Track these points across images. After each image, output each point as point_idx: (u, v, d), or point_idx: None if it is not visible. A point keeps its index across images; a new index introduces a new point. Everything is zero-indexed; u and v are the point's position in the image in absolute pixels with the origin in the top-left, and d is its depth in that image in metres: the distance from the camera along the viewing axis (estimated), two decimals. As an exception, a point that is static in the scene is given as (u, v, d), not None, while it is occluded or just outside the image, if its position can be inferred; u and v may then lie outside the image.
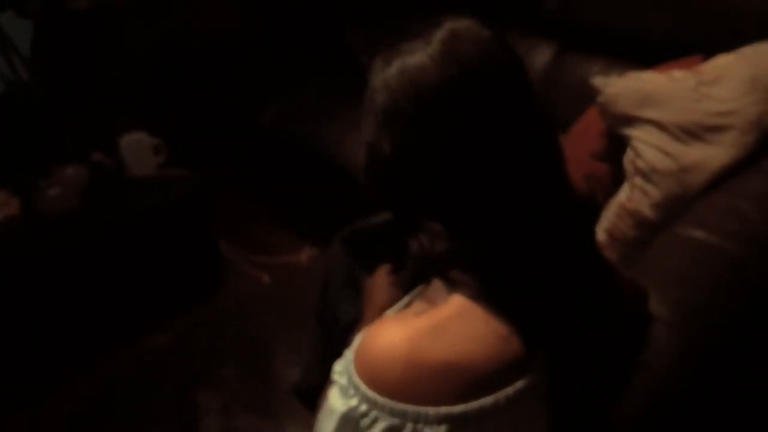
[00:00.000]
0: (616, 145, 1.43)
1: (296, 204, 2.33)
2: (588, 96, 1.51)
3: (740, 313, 0.98)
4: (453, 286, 0.73)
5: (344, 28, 2.50)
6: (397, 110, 0.71)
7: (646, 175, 1.30)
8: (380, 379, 0.69)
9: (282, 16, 2.73)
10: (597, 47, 1.87)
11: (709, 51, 1.46)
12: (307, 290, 1.33)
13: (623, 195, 1.34)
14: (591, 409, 0.82)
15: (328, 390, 0.76)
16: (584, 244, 0.82)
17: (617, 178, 1.41)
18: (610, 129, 1.43)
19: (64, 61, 2.47)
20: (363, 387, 0.69)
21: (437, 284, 0.78)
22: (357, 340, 0.75)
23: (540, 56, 1.95)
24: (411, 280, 0.90)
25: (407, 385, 0.68)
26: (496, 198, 0.71)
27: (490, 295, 0.71)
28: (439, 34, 0.71)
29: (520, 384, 0.71)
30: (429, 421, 0.67)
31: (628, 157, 1.36)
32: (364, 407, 0.69)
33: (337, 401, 0.72)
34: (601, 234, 1.31)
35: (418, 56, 0.70)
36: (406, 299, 0.87)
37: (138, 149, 1.96)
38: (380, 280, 1.05)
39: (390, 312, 0.87)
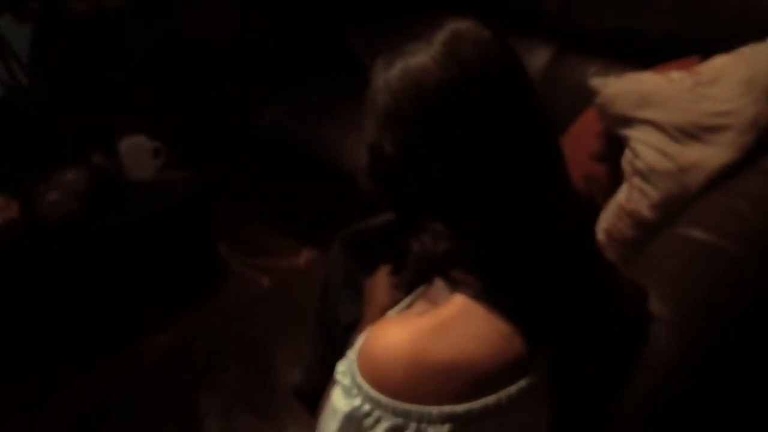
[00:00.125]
0: (614, 146, 1.43)
1: (295, 206, 2.32)
2: (586, 97, 1.51)
3: (739, 312, 0.99)
4: (455, 285, 0.74)
5: (344, 28, 2.50)
6: (399, 111, 0.71)
7: (644, 176, 1.31)
8: (383, 379, 0.69)
9: (282, 16, 2.73)
10: (595, 48, 1.88)
11: (706, 52, 1.47)
12: (307, 292, 1.33)
13: (622, 195, 1.35)
14: (592, 408, 0.83)
15: (330, 390, 0.76)
16: (585, 243, 0.83)
17: (615, 178, 1.41)
18: (609, 130, 1.43)
19: (63, 65, 2.47)
20: (366, 387, 0.70)
21: (439, 284, 0.78)
22: (360, 341, 0.75)
23: (538, 57, 1.95)
24: (412, 281, 0.91)
25: (410, 384, 0.68)
26: (497, 198, 0.71)
27: (492, 294, 0.71)
28: (441, 36, 0.71)
29: (522, 383, 0.71)
30: (432, 420, 0.68)
31: (627, 157, 1.36)
32: (367, 407, 0.69)
33: (340, 401, 0.72)
34: (600, 234, 1.32)
35: (419, 57, 0.71)
36: (408, 299, 0.88)
37: (137, 152, 1.96)
38: (380, 281, 1.06)
39: (392, 312, 0.87)
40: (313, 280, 1.32)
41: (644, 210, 1.29)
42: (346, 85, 2.19)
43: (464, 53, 0.70)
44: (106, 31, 2.50)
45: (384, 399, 0.68)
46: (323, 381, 0.94)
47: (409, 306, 0.86)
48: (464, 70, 0.69)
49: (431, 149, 0.71)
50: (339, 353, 0.82)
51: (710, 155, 1.27)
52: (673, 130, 1.31)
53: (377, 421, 0.69)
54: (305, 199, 2.26)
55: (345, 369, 0.74)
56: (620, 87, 1.40)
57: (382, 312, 0.94)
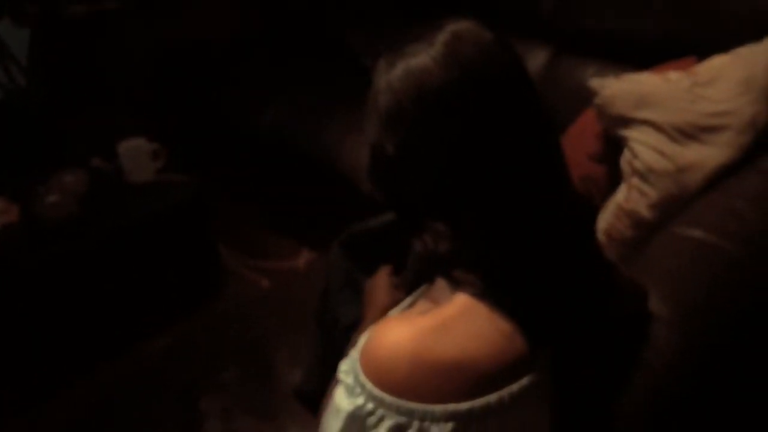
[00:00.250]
0: (612, 147, 1.43)
1: (295, 207, 2.33)
2: (583, 98, 1.52)
3: (738, 311, 0.99)
4: (457, 285, 0.74)
5: (344, 29, 2.50)
6: (401, 111, 0.72)
7: (643, 176, 1.31)
8: (386, 378, 0.69)
9: (282, 16, 2.73)
10: (592, 50, 1.88)
11: (703, 52, 1.47)
12: (307, 293, 1.34)
13: (621, 196, 1.35)
14: (593, 407, 0.83)
15: (333, 389, 0.76)
16: (586, 243, 0.83)
17: (614, 179, 1.42)
18: (607, 130, 1.44)
19: (62, 67, 2.47)
20: (369, 386, 0.70)
21: (441, 284, 0.78)
22: (362, 340, 0.76)
23: (536, 59, 1.96)
24: (413, 280, 0.91)
25: (413, 383, 0.68)
26: (498, 198, 0.71)
27: (493, 293, 0.72)
28: (442, 36, 0.72)
29: (524, 381, 0.71)
30: (435, 418, 0.68)
31: (625, 157, 1.37)
32: (370, 406, 0.70)
33: (343, 400, 0.72)
34: (598, 235, 1.32)
35: (421, 58, 0.71)
36: (409, 299, 0.88)
37: (137, 155, 1.96)
38: (380, 281, 1.06)
39: (394, 312, 0.88)
40: (313, 281, 1.33)
41: (643, 210, 1.29)
42: (346, 85, 2.20)
43: (465, 54, 0.70)
44: (105, 33, 2.50)
45: (387, 397, 0.69)
46: (323, 382, 0.94)
47: (411, 305, 0.86)
48: (465, 71, 0.70)
49: (432, 149, 0.71)
50: (339, 354, 0.83)
51: (708, 155, 1.28)
52: (672, 131, 1.31)
53: (380, 419, 0.69)
54: (305, 200, 2.26)
55: (348, 368, 0.74)
56: (619, 88, 1.41)
57: (383, 313, 0.94)
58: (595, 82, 1.46)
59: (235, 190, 2.40)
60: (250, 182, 2.38)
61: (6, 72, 2.35)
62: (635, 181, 1.32)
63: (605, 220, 1.35)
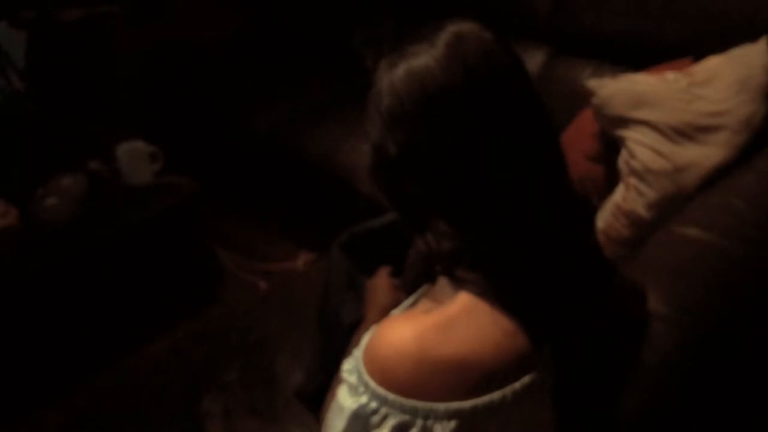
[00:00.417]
0: (609, 147, 1.44)
1: (293, 209, 2.33)
2: (580, 99, 1.53)
3: (736, 309, 1.00)
4: (459, 283, 0.74)
5: (345, 29, 2.50)
6: (403, 112, 0.72)
7: (640, 176, 1.32)
8: (390, 376, 0.69)
9: (280, 17, 2.73)
10: (589, 51, 1.89)
11: (699, 53, 1.48)
12: (307, 294, 1.34)
13: (618, 195, 1.36)
14: (594, 405, 0.84)
15: (336, 388, 0.77)
16: (586, 242, 0.84)
17: (611, 179, 1.42)
18: (605, 130, 1.45)
19: (59, 71, 2.47)
20: (373, 384, 0.70)
21: (443, 282, 0.79)
22: (365, 339, 0.76)
23: (533, 60, 1.97)
24: (415, 280, 0.91)
25: (417, 381, 0.69)
26: (501, 197, 0.72)
27: (496, 292, 0.72)
28: (443, 37, 0.72)
29: (526, 379, 0.72)
30: (439, 416, 0.68)
31: (623, 157, 1.37)
32: (374, 404, 0.70)
33: (346, 399, 0.73)
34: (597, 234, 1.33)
35: (423, 58, 0.71)
36: (412, 298, 0.88)
37: (134, 157, 1.96)
38: (381, 282, 1.06)
39: (396, 312, 0.88)
40: (313, 282, 1.33)
41: (641, 209, 1.30)
42: (344, 87, 2.21)
43: (467, 54, 0.71)
44: (101, 37, 2.50)
45: (391, 396, 0.69)
46: (325, 382, 0.94)
47: (414, 304, 0.87)
48: (467, 71, 0.70)
49: (435, 149, 0.72)
50: (341, 354, 0.83)
51: (705, 155, 1.28)
52: (669, 130, 1.32)
53: (384, 418, 0.69)
54: (303, 202, 2.27)
55: (351, 367, 0.74)
56: (616, 88, 1.41)
57: (384, 313, 0.94)
58: (592, 83, 1.46)
59: (233, 193, 2.40)
60: (248, 186, 2.38)
61: (3, 75, 2.35)
62: (633, 180, 1.33)
63: (603, 219, 1.35)
